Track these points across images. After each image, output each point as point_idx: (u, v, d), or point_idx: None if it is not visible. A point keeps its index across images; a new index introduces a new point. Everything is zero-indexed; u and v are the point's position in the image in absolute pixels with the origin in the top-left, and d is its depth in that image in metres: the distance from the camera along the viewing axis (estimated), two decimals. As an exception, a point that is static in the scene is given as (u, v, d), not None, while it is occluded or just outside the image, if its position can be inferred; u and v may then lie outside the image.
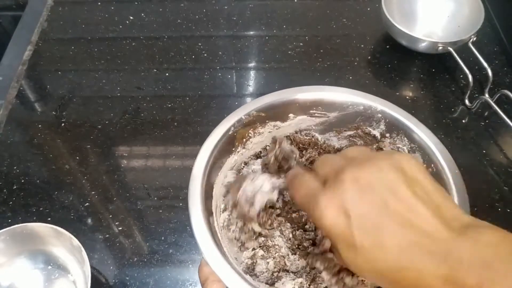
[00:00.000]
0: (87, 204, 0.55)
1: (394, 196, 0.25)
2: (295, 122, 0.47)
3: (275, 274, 0.42)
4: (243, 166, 0.47)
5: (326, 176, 0.29)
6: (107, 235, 0.53)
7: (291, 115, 0.47)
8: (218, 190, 0.43)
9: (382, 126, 0.46)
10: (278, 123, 0.47)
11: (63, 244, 0.47)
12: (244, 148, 0.46)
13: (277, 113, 0.46)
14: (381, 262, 0.25)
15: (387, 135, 0.46)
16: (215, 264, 0.34)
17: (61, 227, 0.45)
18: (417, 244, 0.24)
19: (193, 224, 0.37)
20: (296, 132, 0.48)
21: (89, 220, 0.54)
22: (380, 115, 0.45)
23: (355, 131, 0.47)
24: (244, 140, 0.46)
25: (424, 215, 0.25)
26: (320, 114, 0.47)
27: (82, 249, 0.44)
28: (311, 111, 0.46)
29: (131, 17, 0.76)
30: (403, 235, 0.24)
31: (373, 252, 0.25)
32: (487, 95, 0.63)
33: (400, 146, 0.45)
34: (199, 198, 0.38)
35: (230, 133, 0.43)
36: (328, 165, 0.30)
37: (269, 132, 0.47)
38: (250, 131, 0.46)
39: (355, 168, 0.27)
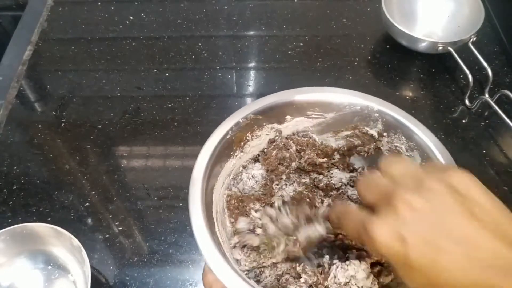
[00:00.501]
0: (87, 204, 0.55)
1: (449, 217, 0.25)
2: (292, 124, 0.47)
3: (282, 279, 0.42)
4: (242, 170, 0.47)
5: (375, 202, 0.28)
6: (107, 235, 0.53)
7: (288, 117, 0.46)
8: (217, 195, 0.43)
9: (380, 126, 0.45)
10: (275, 125, 0.47)
11: (63, 244, 0.47)
12: (242, 151, 0.46)
13: (274, 115, 0.46)
14: (438, 282, 0.25)
15: (385, 134, 0.46)
16: (218, 271, 0.34)
17: (61, 227, 0.45)
18: (476, 260, 0.24)
19: (195, 232, 0.36)
20: (294, 134, 0.48)
21: (89, 220, 0.54)
22: (377, 115, 0.45)
23: (352, 131, 0.47)
24: (242, 143, 0.46)
25: (482, 234, 0.24)
26: (317, 115, 0.47)
27: (82, 249, 0.44)
28: (308, 112, 0.46)
29: (131, 17, 0.76)
30: (461, 253, 0.24)
31: (429, 273, 0.25)
32: (487, 95, 0.63)
33: (398, 145, 0.45)
34: (200, 204, 0.38)
35: (228, 137, 0.43)
36: (374, 189, 0.29)
37: (267, 134, 0.47)
38: (247, 134, 0.46)
39: (406, 193, 0.26)
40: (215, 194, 0.42)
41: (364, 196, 0.30)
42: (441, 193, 0.26)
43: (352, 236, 0.31)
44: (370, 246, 0.27)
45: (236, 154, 0.46)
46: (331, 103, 0.46)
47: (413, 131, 0.44)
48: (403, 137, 0.45)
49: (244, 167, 0.47)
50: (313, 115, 0.47)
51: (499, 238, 0.24)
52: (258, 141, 0.47)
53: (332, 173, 0.48)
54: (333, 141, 0.49)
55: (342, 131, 0.48)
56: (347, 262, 0.39)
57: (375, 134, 0.46)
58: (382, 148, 0.47)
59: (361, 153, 0.48)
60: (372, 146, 0.47)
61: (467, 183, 0.27)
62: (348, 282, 0.38)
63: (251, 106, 0.45)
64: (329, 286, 0.40)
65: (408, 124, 0.44)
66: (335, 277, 0.39)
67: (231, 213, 0.44)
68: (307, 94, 0.46)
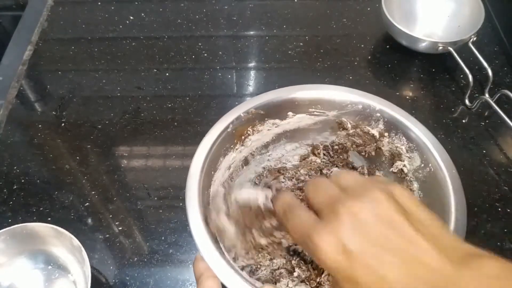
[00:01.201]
0: (87, 204, 0.55)
1: (394, 229, 0.25)
2: (294, 121, 0.47)
3: (276, 273, 0.42)
4: (242, 164, 0.48)
5: (320, 206, 0.28)
6: (107, 235, 0.53)
7: (290, 113, 0.47)
8: (215, 187, 0.43)
9: (381, 125, 0.46)
10: (277, 121, 0.47)
11: (63, 244, 0.47)
12: (243, 145, 0.46)
13: (276, 111, 0.46)
14: None
15: (386, 134, 0.46)
16: (210, 259, 0.34)
17: (61, 227, 0.45)
18: (420, 278, 0.24)
19: (190, 220, 0.37)
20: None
21: (89, 220, 0.54)
22: (378, 114, 0.45)
23: (354, 129, 0.47)
24: (243, 137, 0.46)
25: (425, 248, 0.24)
26: (319, 113, 0.47)
27: (82, 249, 0.44)
28: (310, 110, 0.47)
29: (131, 17, 0.76)
30: (406, 270, 0.24)
31: (375, 287, 0.25)
32: (487, 95, 0.63)
33: (399, 145, 0.45)
34: (196, 194, 0.38)
35: (228, 130, 0.43)
36: (321, 193, 0.29)
37: (268, 130, 0.47)
38: (249, 129, 0.46)
39: (351, 201, 0.27)
40: (213, 186, 0.43)
41: (311, 198, 0.30)
42: (384, 202, 0.26)
43: (297, 240, 0.29)
44: (315, 254, 0.26)
45: (236, 147, 0.46)
46: (333, 101, 0.46)
47: (413, 132, 0.44)
48: (403, 138, 0.45)
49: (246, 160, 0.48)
50: (315, 112, 0.47)
51: (442, 253, 0.24)
52: (259, 136, 0.47)
53: (331, 171, 0.48)
54: (335, 140, 0.49)
55: (343, 129, 0.48)
56: None
57: (376, 134, 0.46)
58: (383, 148, 0.47)
59: (362, 153, 0.48)
60: (373, 146, 0.47)
61: (407, 197, 0.27)
62: None
63: (253, 101, 0.45)
64: (322, 282, 0.40)
65: (409, 125, 0.44)
66: (328, 274, 0.39)
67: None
68: (309, 91, 0.46)
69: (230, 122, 0.43)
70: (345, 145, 0.49)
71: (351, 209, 0.26)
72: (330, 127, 0.48)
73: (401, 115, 0.44)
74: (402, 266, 0.24)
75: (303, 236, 0.28)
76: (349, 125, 0.47)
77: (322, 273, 0.41)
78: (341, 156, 0.49)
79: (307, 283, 0.41)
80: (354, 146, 0.49)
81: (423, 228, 0.25)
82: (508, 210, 0.54)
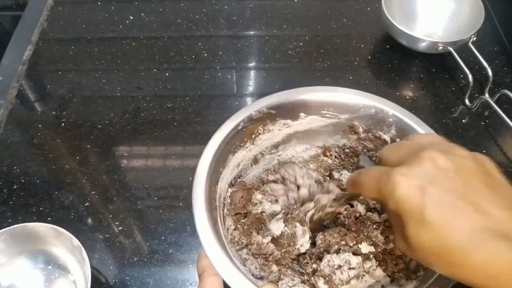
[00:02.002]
0: (87, 204, 0.55)
1: (473, 184, 0.26)
2: (306, 122, 0.47)
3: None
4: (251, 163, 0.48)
5: (402, 158, 0.29)
6: (107, 235, 0.53)
7: (302, 114, 0.46)
8: (223, 184, 0.43)
9: (393, 131, 0.45)
10: (288, 121, 0.47)
11: (63, 244, 0.47)
12: (253, 144, 0.46)
13: (287, 111, 0.46)
14: (447, 241, 0.25)
15: (398, 140, 0.45)
16: (213, 255, 0.34)
17: (61, 227, 0.45)
18: (490, 230, 0.24)
19: (196, 215, 0.37)
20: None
21: (89, 220, 0.54)
22: (391, 119, 0.45)
23: (366, 134, 0.47)
24: (253, 136, 0.46)
25: (499, 207, 0.25)
26: (332, 115, 0.46)
27: (82, 249, 0.44)
28: (322, 112, 0.46)
29: (131, 17, 0.76)
30: (477, 220, 0.25)
31: (442, 230, 0.25)
32: (487, 95, 0.63)
33: None
34: (203, 190, 0.38)
35: (239, 128, 0.43)
36: (403, 149, 0.30)
37: (279, 130, 0.47)
38: (259, 128, 0.46)
39: (436, 151, 0.27)
40: (221, 182, 0.43)
41: (388, 155, 0.31)
42: (467, 159, 0.27)
43: (369, 189, 0.30)
44: (387, 195, 0.27)
45: (246, 146, 0.46)
46: (346, 104, 0.46)
47: None
48: None
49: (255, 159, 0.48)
50: (327, 115, 0.46)
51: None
52: (270, 135, 0.47)
53: (341, 174, 0.48)
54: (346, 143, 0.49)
55: (355, 133, 0.48)
56: (341, 257, 0.40)
57: (388, 139, 0.46)
58: None
59: (372, 158, 0.48)
60: None
61: (490, 163, 0.28)
62: (342, 266, 0.39)
63: (265, 100, 0.45)
64: (323, 269, 0.40)
65: (421, 131, 0.43)
66: (329, 261, 0.39)
67: (235, 206, 0.44)
68: (322, 93, 0.46)
69: (241, 120, 0.43)
70: (356, 148, 0.49)
71: (435, 158, 0.27)
72: (342, 130, 0.48)
73: (414, 122, 0.44)
74: (474, 216, 0.25)
75: (379, 181, 0.28)
76: (361, 129, 0.47)
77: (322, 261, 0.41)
78: (351, 160, 0.49)
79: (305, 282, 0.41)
80: (365, 150, 0.48)
81: (502, 192, 0.26)
82: (508, 210, 0.54)
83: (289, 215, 0.42)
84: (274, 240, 0.41)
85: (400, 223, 0.27)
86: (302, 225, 0.41)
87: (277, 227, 0.41)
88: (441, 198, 0.25)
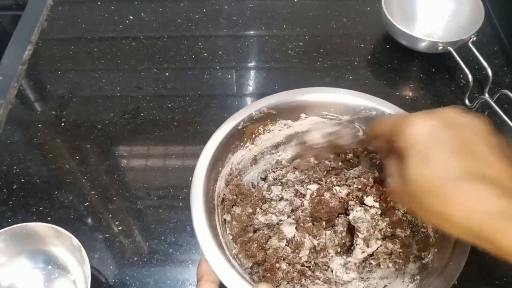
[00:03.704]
0: (87, 203, 0.55)
1: (478, 140, 0.29)
2: (306, 122, 0.47)
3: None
4: (251, 162, 0.48)
5: (392, 124, 0.34)
6: (107, 235, 0.53)
7: (302, 115, 0.46)
8: (222, 183, 0.43)
9: None
10: (289, 121, 0.47)
11: (63, 244, 0.47)
12: (253, 144, 0.46)
13: (288, 111, 0.46)
14: (443, 178, 0.28)
15: None
16: (211, 258, 0.34)
17: (61, 226, 0.45)
18: (486, 177, 0.27)
19: (194, 220, 0.37)
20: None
21: (89, 220, 0.54)
22: None
23: (366, 136, 0.47)
24: (253, 136, 0.46)
25: (497, 161, 0.28)
26: (332, 116, 0.46)
27: (82, 248, 0.44)
28: (323, 113, 0.46)
29: (131, 17, 0.76)
30: (474, 166, 0.28)
31: (441, 169, 0.28)
32: (487, 95, 0.63)
33: None
34: (202, 192, 0.38)
35: (239, 127, 0.43)
36: (389, 119, 0.36)
37: (280, 130, 0.47)
38: (260, 128, 0.46)
39: (450, 110, 0.31)
40: (219, 181, 0.43)
41: (380, 124, 0.37)
42: (481, 125, 0.31)
43: (387, 123, 0.35)
44: (401, 131, 0.31)
45: (246, 145, 0.46)
46: (347, 105, 0.46)
47: None
48: None
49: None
50: (328, 116, 0.46)
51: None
52: (270, 135, 0.47)
53: (340, 181, 0.48)
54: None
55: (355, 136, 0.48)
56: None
57: None
58: None
59: (373, 160, 0.48)
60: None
61: (491, 129, 0.31)
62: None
63: (266, 100, 0.45)
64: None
65: None
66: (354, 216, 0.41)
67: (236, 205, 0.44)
68: (323, 94, 0.46)
69: (242, 119, 0.43)
70: (356, 150, 0.49)
71: (447, 116, 0.31)
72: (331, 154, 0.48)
73: None
74: (470, 163, 0.28)
75: (398, 118, 0.34)
76: (361, 131, 0.47)
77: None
78: (351, 161, 0.49)
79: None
80: (365, 152, 0.49)
81: (500, 151, 0.29)
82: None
83: (301, 224, 0.42)
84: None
85: (400, 162, 0.31)
86: (310, 238, 0.42)
87: (289, 231, 0.42)
88: (446, 143, 0.29)
